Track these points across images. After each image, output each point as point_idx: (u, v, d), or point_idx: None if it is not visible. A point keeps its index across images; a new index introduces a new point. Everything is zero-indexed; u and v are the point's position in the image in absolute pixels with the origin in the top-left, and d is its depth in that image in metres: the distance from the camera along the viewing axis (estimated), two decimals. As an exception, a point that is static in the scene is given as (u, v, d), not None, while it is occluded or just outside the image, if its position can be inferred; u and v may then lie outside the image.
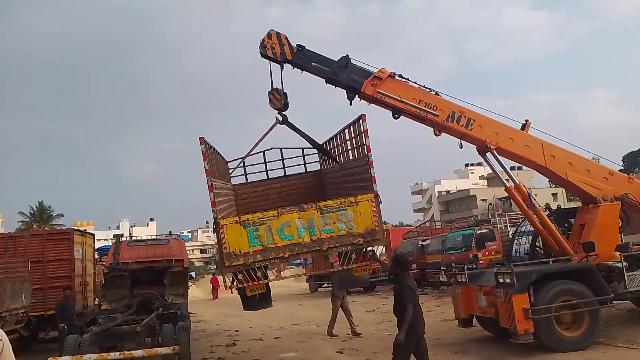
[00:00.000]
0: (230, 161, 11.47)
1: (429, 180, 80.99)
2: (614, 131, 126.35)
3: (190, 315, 13.22)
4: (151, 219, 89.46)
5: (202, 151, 7.69)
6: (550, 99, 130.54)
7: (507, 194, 10.57)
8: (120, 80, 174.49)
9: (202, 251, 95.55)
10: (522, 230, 12.24)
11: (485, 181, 74.07)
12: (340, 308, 12.91)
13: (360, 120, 8.57)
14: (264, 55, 9.68)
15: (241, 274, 7.24)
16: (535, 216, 10.15)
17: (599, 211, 9.79)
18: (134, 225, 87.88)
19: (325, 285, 28.61)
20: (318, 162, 12.48)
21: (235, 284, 7.63)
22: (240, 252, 7.13)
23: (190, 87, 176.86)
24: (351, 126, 9.40)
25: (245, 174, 11.96)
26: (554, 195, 52.35)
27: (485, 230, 20.63)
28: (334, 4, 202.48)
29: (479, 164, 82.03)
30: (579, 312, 8.66)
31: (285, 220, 7.29)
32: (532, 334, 8.27)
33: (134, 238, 36.74)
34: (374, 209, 7.64)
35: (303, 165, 12.30)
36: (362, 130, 8.37)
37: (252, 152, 10.64)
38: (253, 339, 13.12)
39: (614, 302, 9.36)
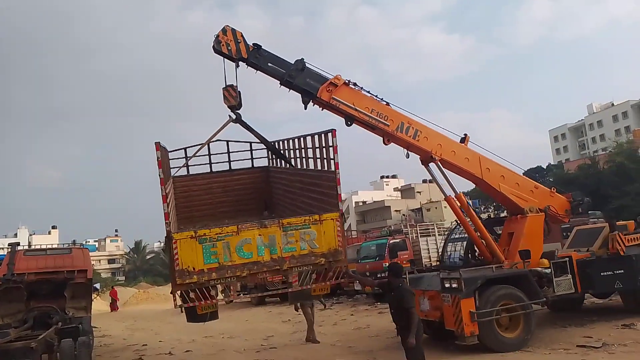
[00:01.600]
0: (171, 151, 10.59)
1: (347, 191, 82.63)
2: (514, 150, 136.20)
3: (93, 329, 12.38)
4: (53, 227, 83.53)
5: (158, 157, 6.96)
6: (457, 118, 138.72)
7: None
8: (25, 80, 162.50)
9: (110, 261, 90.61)
10: (453, 237, 12.86)
11: (399, 193, 76.76)
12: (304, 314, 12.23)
13: (330, 135, 8.10)
14: (217, 51, 9.36)
15: (193, 293, 6.67)
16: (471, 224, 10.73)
17: (526, 221, 10.53)
18: (34, 234, 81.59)
19: (242, 296, 28.07)
20: (266, 159, 12.00)
21: (185, 302, 6.92)
22: (194, 269, 6.57)
23: (102, 89, 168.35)
24: (317, 136, 8.96)
25: (187, 166, 11.22)
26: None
27: (397, 240, 21.30)
28: (257, 13, 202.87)
29: (394, 177, 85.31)
30: (516, 314, 9.22)
31: (245, 236, 6.81)
32: (477, 335, 8.73)
33: (33, 247, 34.00)
34: (339, 228, 7.36)
35: (250, 161, 11.88)
36: (331, 145, 7.95)
37: (198, 152, 10.20)
38: (161, 354, 12.53)
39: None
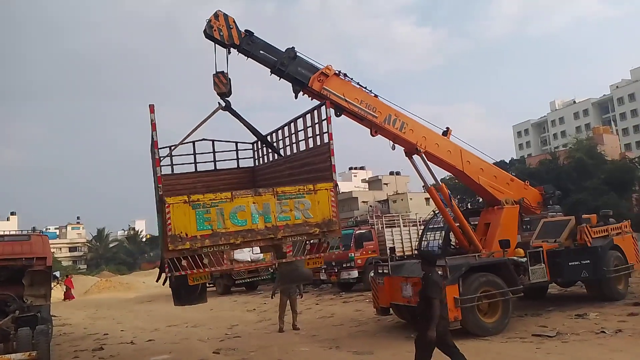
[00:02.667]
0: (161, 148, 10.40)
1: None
2: (479, 143, 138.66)
3: (53, 318, 12.12)
4: (12, 213, 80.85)
5: (152, 120, 6.61)
6: (427, 110, 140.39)
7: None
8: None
9: (72, 249, 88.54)
10: (430, 227, 13.35)
11: (367, 184, 77.40)
12: (283, 301, 12.21)
13: (324, 107, 7.98)
14: (209, 36, 9.12)
15: (185, 260, 6.47)
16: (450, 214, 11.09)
17: (502, 212, 10.98)
18: (-9, 220, 78.83)
19: (208, 285, 27.92)
20: (252, 159, 11.94)
21: (177, 270, 6.66)
22: (186, 235, 6.37)
23: (70, 69, 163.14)
24: (309, 114, 8.79)
25: (172, 165, 11.00)
26: (427, 199, 56.14)
27: (363, 231, 21.49)
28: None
29: (362, 168, 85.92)
30: (495, 301, 9.62)
31: (240, 203, 6.64)
32: (460, 321, 9.05)
33: (-10, 233, 32.82)
34: (333, 198, 7.31)
35: (235, 161, 11.79)
36: (325, 117, 7.81)
37: (186, 140, 9.79)
38: (123, 342, 12.36)
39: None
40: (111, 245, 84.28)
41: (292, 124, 9.66)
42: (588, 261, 11.08)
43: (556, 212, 16.93)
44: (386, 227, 21.75)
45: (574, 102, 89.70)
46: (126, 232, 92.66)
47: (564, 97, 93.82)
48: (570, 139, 53.39)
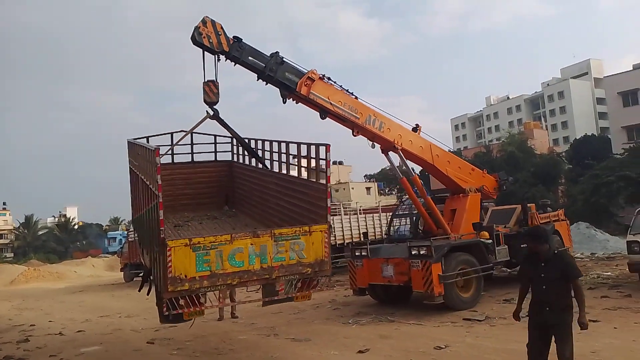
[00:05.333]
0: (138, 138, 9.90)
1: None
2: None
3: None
4: None
5: (158, 164, 6.41)
6: (372, 102, 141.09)
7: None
8: None
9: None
10: (397, 214, 14.31)
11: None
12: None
13: (325, 150, 7.93)
14: (197, 42, 9.01)
15: (183, 300, 6.51)
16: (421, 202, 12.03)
17: (467, 199, 12.04)
18: None
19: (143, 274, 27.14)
20: (230, 153, 11.70)
21: (174, 309, 6.62)
22: (185, 277, 6.37)
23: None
24: (307, 147, 8.59)
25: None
26: (367, 189, 57.04)
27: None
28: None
29: (304, 157, 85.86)
30: (470, 278, 10.63)
31: (238, 245, 6.70)
32: (442, 295, 9.98)
33: None
34: (326, 240, 7.42)
35: (213, 154, 11.61)
36: (324, 159, 7.90)
37: (177, 143, 9.89)
38: (51, 334, 11.80)
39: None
40: (40, 232, 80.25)
41: (287, 145, 9.37)
42: None
43: (488, 202, 17.82)
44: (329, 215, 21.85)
45: (508, 98, 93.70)
46: (57, 219, 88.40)
47: (499, 92, 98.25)
48: (503, 133, 55.75)
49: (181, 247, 6.38)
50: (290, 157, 9.32)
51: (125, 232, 41.08)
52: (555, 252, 5.35)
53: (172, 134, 10.42)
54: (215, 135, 11.40)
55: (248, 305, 13.68)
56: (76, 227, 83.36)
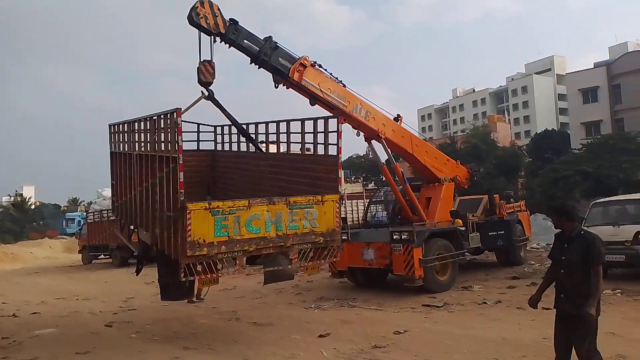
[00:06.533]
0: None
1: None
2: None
3: None
4: None
5: (178, 124, 6.46)
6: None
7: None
8: None
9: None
10: (373, 200, 14.75)
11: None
12: None
13: (337, 122, 8.04)
14: (194, 22, 8.82)
15: (200, 265, 6.51)
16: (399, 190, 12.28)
17: (442, 188, 12.52)
18: None
19: (102, 256, 26.58)
20: (213, 142, 11.57)
21: (191, 275, 6.64)
22: (204, 241, 6.38)
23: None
24: (314, 122, 8.59)
25: (130, 142, 10.12)
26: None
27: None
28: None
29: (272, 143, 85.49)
30: (446, 262, 11.19)
31: (255, 212, 6.77)
32: (422, 278, 10.49)
33: None
34: (337, 210, 7.55)
35: (196, 142, 11.41)
36: (337, 131, 7.93)
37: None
38: (5, 315, 11.48)
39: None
40: (-6, 211, 77.27)
41: (285, 124, 9.31)
42: (503, 232, 13.22)
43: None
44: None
45: (474, 90, 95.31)
46: (12, 198, 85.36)
47: (466, 85, 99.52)
48: (468, 125, 56.78)
49: (200, 211, 6.42)
50: (293, 135, 9.14)
51: (85, 213, 40.03)
52: (582, 232, 4.65)
53: (158, 116, 9.86)
54: (198, 124, 11.19)
55: (209, 289, 13.64)
56: (33, 207, 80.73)
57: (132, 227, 10.34)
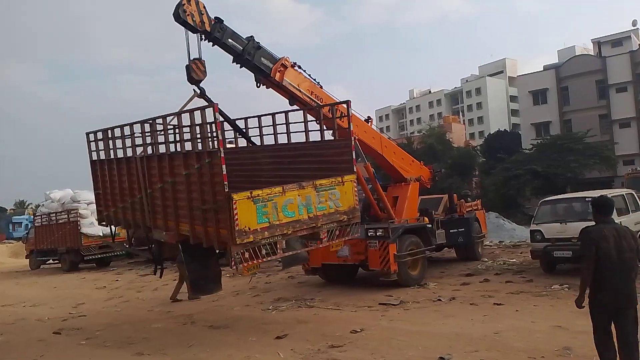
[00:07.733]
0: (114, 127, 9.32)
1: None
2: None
3: None
4: None
5: (217, 119, 6.82)
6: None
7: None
8: None
9: None
10: None
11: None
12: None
13: (347, 106, 8.87)
14: (180, 20, 8.80)
15: (247, 252, 6.83)
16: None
17: (409, 188, 12.86)
18: None
19: (51, 261, 25.57)
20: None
21: (240, 263, 6.89)
22: (249, 229, 6.76)
23: None
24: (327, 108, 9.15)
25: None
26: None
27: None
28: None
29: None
30: (417, 258, 11.57)
31: (289, 197, 7.24)
32: (396, 273, 10.86)
33: None
34: (355, 188, 8.13)
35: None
36: (348, 115, 8.73)
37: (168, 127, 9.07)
38: (-56, 325, 10.87)
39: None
40: None
41: (284, 115, 9.71)
42: (463, 229, 13.79)
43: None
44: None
45: (430, 91, 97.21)
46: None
47: (422, 86, 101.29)
48: (424, 126, 57.87)
49: (244, 200, 6.80)
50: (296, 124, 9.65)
51: (32, 216, 38.42)
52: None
53: (142, 122, 8.62)
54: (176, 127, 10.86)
55: (165, 294, 13.37)
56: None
57: (129, 230, 10.24)
